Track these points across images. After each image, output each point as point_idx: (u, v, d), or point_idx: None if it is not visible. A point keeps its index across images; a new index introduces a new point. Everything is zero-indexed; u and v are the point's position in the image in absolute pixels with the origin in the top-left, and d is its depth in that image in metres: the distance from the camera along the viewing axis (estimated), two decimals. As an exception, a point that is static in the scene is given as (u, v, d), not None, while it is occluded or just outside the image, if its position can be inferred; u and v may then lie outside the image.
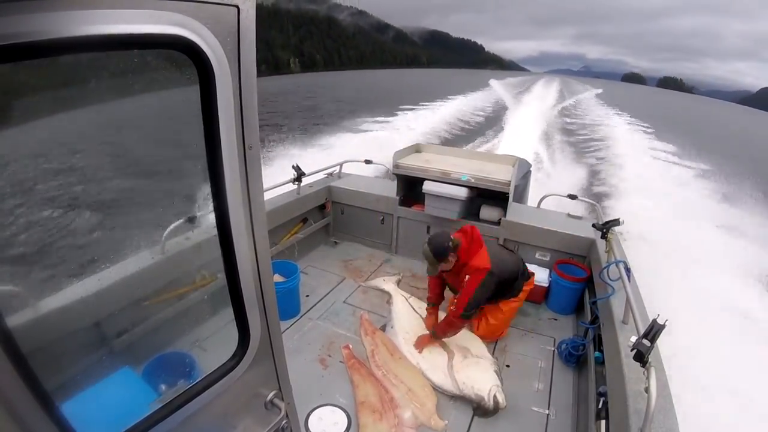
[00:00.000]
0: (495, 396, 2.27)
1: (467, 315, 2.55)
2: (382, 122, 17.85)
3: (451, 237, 2.60)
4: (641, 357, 1.58)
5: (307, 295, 3.31)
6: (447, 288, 2.95)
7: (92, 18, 0.54)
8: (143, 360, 1.42)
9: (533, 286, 3.01)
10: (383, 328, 2.95)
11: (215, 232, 0.85)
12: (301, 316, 3.08)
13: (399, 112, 20.39)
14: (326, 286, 3.49)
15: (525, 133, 17.37)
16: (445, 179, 3.56)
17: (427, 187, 3.60)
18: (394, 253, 4.11)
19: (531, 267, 3.39)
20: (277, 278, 2.88)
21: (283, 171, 3.97)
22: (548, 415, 2.32)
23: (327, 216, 4.23)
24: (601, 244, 3.03)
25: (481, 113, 23.31)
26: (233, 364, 0.96)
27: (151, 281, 1.88)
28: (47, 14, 0.50)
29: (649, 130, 22.20)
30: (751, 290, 5.81)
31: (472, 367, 2.50)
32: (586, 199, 4.42)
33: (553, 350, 2.83)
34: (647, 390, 1.49)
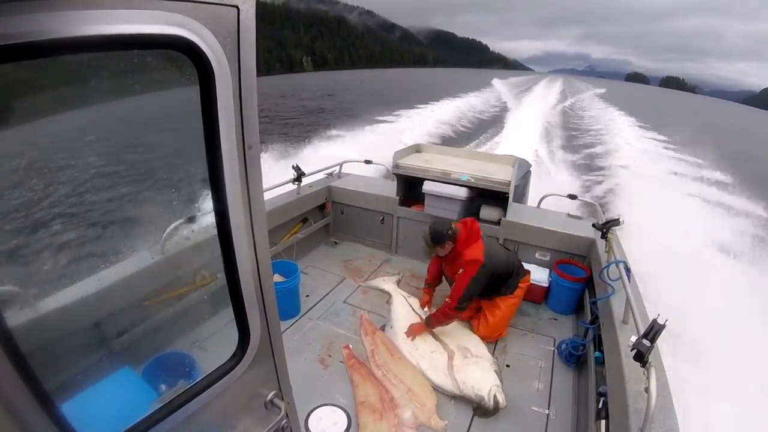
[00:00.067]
0: (495, 396, 2.27)
1: (461, 307, 2.64)
2: (389, 120, 18.18)
3: (452, 226, 2.71)
4: (641, 357, 1.58)
5: (307, 295, 3.31)
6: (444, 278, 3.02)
7: (92, 18, 0.54)
8: (143, 360, 1.42)
9: (530, 284, 3.05)
10: (383, 328, 2.95)
11: (215, 232, 0.85)
12: (301, 316, 3.08)
13: (408, 110, 20.86)
14: (326, 286, 3.49)
15: (525, 132, 17.40)
16: (445, 179, 3.56)
17: (427, 187, 3.60)
18: (394, 253, 4.11)
19: (531, 267, 3.40)
20: (277, 278, 2.88)
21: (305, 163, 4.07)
22: (548, 415, 2.32)
23: (327, 216, 4.23)
24: (601, 244, 3.03)
25: (483, 113, 23.38)
26: (233, 364, 0.96)
27: (151, 281, 1.88)
28: (47, 14, 0.50)
29: (649, 130, 22.21)
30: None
31: (472, 367, 2.50)
32: (586, 199, 4.42)
33: (553, 350, 2.83)
34: (647, 390, 1.49)
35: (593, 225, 3.18)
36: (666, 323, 1.62)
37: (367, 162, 4.63)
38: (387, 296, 3.33)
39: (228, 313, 0.94)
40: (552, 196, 4.07)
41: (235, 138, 0.77)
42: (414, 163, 3.78)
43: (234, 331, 0.96)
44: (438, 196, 3.57)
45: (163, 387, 1.16)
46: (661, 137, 19.85)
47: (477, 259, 2.60)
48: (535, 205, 3.95)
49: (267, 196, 3.28)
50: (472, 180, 3.49)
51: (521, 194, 4.65)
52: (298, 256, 3.79)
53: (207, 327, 1.37)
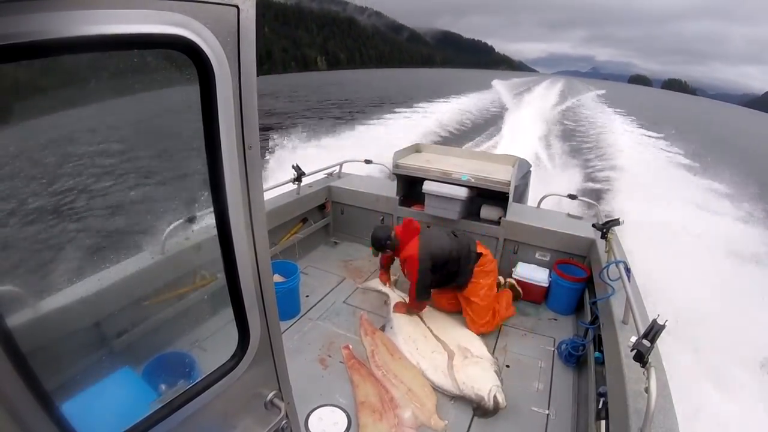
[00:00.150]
0: (495, 396, 2.26)
1: (421, 299, 2.91)
2: (388, 118, 18.60)
3: (390, 234, 2.97)
4: (641, 357, 1.58)
5: (307, 296, 3.31)
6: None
7: (92, 18, 0.54)
8: (143, 360, 1.42)
9: (530, 284, 3.18)
10: (383, 329, 2.95)
11: (215, 232, 0.85)
12: (301, 317, 3.08)
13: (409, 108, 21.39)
14: (326, 287, 3.49)
15: (525, 133, 17.42)
16: (445, 179, 3.56)
17: (427, 187, 3.60)
18: None
19: (531, 267, 3.41)
20: (277, 278, 2.88)
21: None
22: (548, 415, 2.32)
23: (327, 216, 4.22)
24: (601, 244, 3.02)
25: (483, 113, 23.48)
26: (233, 364, 0.96)
27: (151, 281, 1.88)
28: (47, 14, 0.50)
29: (649, 131, 22.25)
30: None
31: (472, 367, 2.50)
32: (586, 199, 4.41)
33: (553, 350, 2.83)
34: (647, 390, 1.49)
35: (593, 225, 3.18)
36: (666, 323, 1.62)
37: (367, 162, 4.63)
38: (385, 297, 3.33)
39: (228, 313, 0.94)
40: (552, 196, 4.07)
41: (235, 138, 0.77)
42: (414, 163, 3.78)
43: (234, 331, 0.96)
44: (438, 196, 3.57)
45: (163, 387, 1.16)
46: (662, 139, 19.90)
47: (410, 255, 2.82)
48: (535, 205, 3.95)
49: (267, 196, 3.29)
50: (472, 180, 3.48)
51: (521, 194, 4.65)
52: (298, 256, 3.79)
53: (207, 327, 1.37)
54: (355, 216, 4.20)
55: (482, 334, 2.88)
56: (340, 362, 2.63)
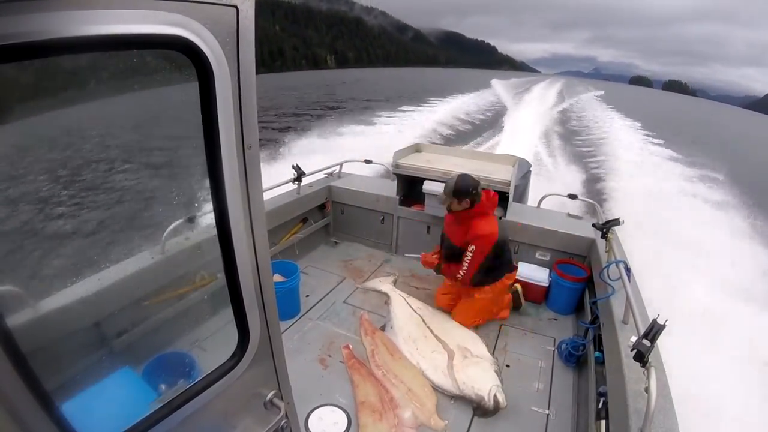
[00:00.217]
0: (495, 396, 2.26)
1: (474, 282, 2.81)
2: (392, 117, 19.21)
3: (478, 188, 2.67)
4: (641, 357, 1.58)
5: (307, 295, 3.31)
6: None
7: (92, 18, 0.54)
8: (143, 360, 1.42)
9: (530, 284, 3.14)
10: (383, 328, 2.95)
11: (215, 232, 0.85)
12: (301, 316, 3.08)
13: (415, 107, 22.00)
14: (326, 286, 3.49)
15: (525, 132, 17.46)
16: (445, 179, 3.55)
17: (427, 186, 3.60)
18: (394, 253, 4.11)
19: (531, 266, 3.41)
20: (277, 278, 2.88)
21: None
22: (548, 415, 2.32)
23: (327, 216, 4.22)
24: (601, 244, 3.02)
25: (484, 112, 23.59)
26: (233, 364, 0.96)
27: (151, 281, 1.88)
28: (47, 14, 0.50)
29: (648, 132, 22.28)
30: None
31: (472, 367, 2.50)
32: (587, 199, 4.41)
33: (553, 350, 2.83)
34: (647, 390, 1.49)
35: (593, 225, 3.18)
36: (666, 323, 1.62)
37: (367, 162, 4.63)
38: (386, 297, 3.33)
39: (228, 313, 0.94)
40: (552, 195, 4.07)
41: (235, 138, 0.77)
42: (414, 163, 3.78)
43: (234, 331, 0.96)
44: (438, 196, 3.57)
45: (162, 387, 1.16)
46: (659, 139, 19.97)
47: (492, 233, 2.62)
48: (535, 205, 3.95)
49: (267, 196, 3.29)
50: None
51: (521, 194, 4.65)
52: (298, 256, 3.79)
53: (207, 327, 1.37)
54: (355, 216, 4.20)
55: (481, 334, 2.88)
56: (340, 362, 2.63)
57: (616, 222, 2.99)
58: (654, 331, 1.61)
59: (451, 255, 2.91)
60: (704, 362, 3.93)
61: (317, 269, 3.76)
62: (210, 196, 0.81)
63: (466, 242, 2.73)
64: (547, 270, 3.37)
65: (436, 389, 2.45)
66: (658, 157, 15.86)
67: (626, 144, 17.53)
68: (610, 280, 2.49)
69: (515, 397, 2.38)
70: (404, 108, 21.47)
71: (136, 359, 1.46)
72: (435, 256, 3.08)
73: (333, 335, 2.88)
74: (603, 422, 1.86)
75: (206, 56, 0.68)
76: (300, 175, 3.75)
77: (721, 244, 7.32)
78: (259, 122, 0.82)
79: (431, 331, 2.88)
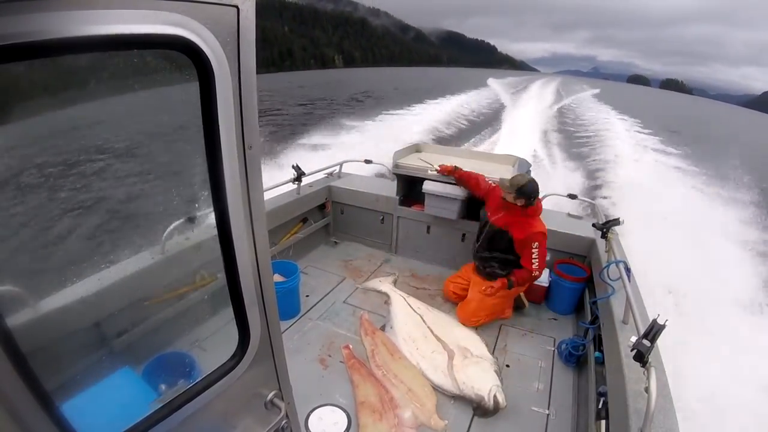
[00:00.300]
0: (495, 396, 2.27)
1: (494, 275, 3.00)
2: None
3: (536, 197, 2.86)
4: (641, 357, 1.58)
5: (307, 295, 3.31)
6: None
7: (92, 18, 0.54)
8: (143, 360, 1.42)
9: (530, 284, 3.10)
10: (383, 328, 2.95)
11: (215, 232, 0.85)
12: (301, 316, 3.08)
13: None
14: (326, 286, 3.49)
15: (524, 130, 17.51)
16: (445, 179, 3.56)
17: (427, 186, 3.60)
18: (394, 253, 4.11)
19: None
20: (277, 278, 2.88)
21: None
22: (548, 415, 2.32)
23: (327, 216, 4.22)
24: (601, 244, 3.02)
25: (484, 112, 23.68)
26: (233, 364, 0.96)
27: (151, 281, 1.88)
28: (47, 14, 0.50)
29: (647, 131, 22.32)
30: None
31: (472, 367, 2.50)
32: (586, 199, 4.41)
33: (553, 350, 2.83)
34: (647, 390, 1.49)
35: (593, 225, 3.18)
36: (666, 323, 1.62)
37: (367, 162, 4.63)
38: (385, 296, 3.33)
39: (228, 313, 0.94)
40: (552, 195, 4.07)
41: (235, 138, 0.77)
42: (414, 163, 3.78)
43: (234, 331, 0.96)
44: (438, 196, 3.57)
45: (163, 387, 1.16)
46: (658, 139, 20.03)
47: (546, 231, 2.88)
48: None
49: (267, 196, 3.29)
50: None
51: (521, 194, 4.64)
52: (298, 256, 3.78)
53: (207, 327, 1.37)
54: (355, 216, 4.20)
55: (481, 334, 2.88)
56: (340, 362, 2.63)
57: (616, 222, 2.99)
58: (654, 331, 1.61)
59: (483, 226, 3.10)
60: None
61: (317, 269, 3.76)
62: (210, 196, 0.81)
63: (522, 239, 2.87)
64: (547, 270, 3.36)
65: (436, 389, 2.45)
66: (658, 156, 15.90)
67: (626, 143, 17.55)
68: (610, 280, 2.50)
69: (515, 397, 2.38)
70: (412, 106, 22.10)
71: (136, 359, 1.46)
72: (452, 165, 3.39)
73: (333, 335, 2.88)
74: (603, 422, 1.86)
75: (207, 56, 0.68)
76: (300, 175, 3.74)
77: (721, 246, 7.33)
78: (259, 123, 0.82)
79: (431, 331, 2.88)
